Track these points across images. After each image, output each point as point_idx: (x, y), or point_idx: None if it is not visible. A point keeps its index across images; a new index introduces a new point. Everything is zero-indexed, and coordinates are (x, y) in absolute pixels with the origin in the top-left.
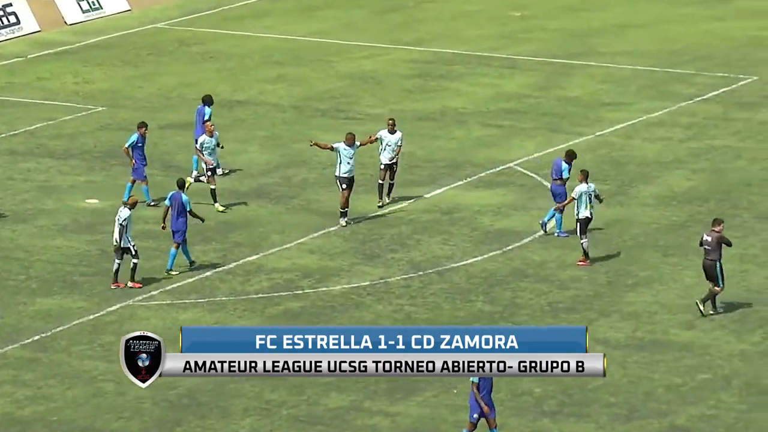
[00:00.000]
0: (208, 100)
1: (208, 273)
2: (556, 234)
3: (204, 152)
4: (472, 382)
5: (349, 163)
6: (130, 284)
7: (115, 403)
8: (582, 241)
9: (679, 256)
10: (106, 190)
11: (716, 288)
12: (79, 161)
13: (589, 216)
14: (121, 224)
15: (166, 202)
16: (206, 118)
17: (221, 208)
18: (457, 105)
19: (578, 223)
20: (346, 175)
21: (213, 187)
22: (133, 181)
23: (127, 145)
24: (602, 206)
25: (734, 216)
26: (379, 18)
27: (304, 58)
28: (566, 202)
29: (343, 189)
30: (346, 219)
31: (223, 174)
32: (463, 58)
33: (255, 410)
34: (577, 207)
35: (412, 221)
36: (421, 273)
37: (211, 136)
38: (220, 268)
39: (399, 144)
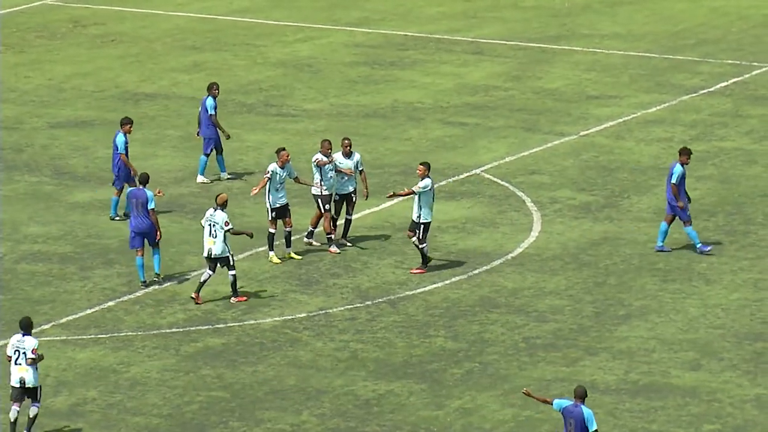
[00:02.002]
0: (211, 89)
1: (110, 303)
2: (698, 250)
3: (270, 187)
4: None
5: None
6: (234, 300)
7: None
8: (423, 246)
9: (681, 282)
10: None
11: None
12: None
13: (430, 219)
14: (226, 229)
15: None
16: (210, 111)
17: (276, 261)
18: (411, 99)
19: (421, 227)
20: (329, 193)
21: (272, 231)
22: (119, 192)
23: (121, 150)
24: (588, 222)
25: (747, 233)
26: None
27: (225, 42)
28: (403, 192)
29: (326, 210)
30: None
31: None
32: (418, 41)
33: None
34: (420, 206)
35: (358, 240)
36: (369, 303)
37: (283, 167)
38: (125, 297)
39: (360, 168)
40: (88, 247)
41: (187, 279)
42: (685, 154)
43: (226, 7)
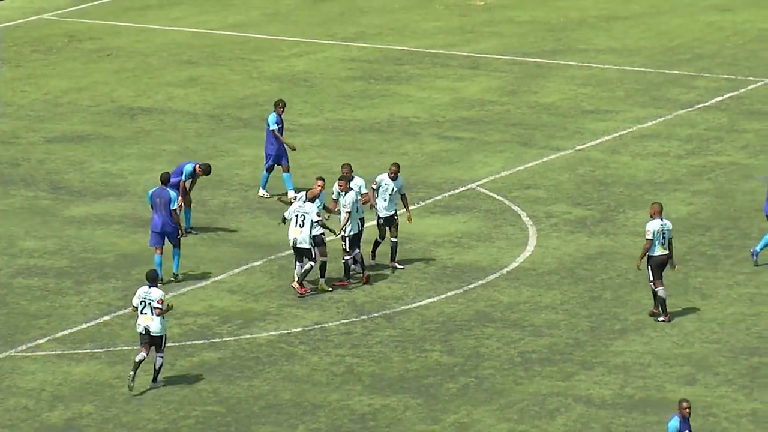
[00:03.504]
0: (277, 105)
1: (106, 317)
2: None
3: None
4: None
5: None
6: (295, 285)
7: None
8: (347, 258)
9: (676, 297)
10: None
11: None
12: None
13: (360, 230)
14: (316, 221)
15: (148, 201)
16: (271, 127)
17: (326, 288)
18: (407, 113)
19: (347, 240)
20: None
21: (324, 259)
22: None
23: (184, 179)
24: (584, 236)
25: (743, 248)
26: (312, 7)
27: (221, 57)
28: (330, 207)
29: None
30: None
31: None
32: (414, 56)
33: None
34: (351, 216)
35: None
36: (365, 317)
37: (313, 201)
38: (121, 312)
39: (401, 191)
40: (84, 262)
41: (183, 294)
42: None
43: (222, 22)
